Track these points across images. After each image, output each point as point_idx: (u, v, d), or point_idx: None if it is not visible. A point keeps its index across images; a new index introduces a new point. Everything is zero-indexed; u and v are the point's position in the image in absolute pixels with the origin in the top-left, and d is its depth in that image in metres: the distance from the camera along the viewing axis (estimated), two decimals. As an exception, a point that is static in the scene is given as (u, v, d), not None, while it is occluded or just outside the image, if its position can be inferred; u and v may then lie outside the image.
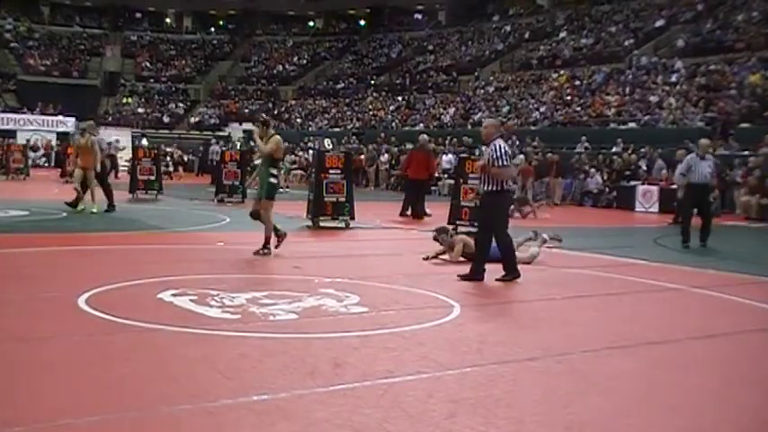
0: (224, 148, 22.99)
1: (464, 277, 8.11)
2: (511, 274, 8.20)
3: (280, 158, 9.89)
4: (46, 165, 37.81)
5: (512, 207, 17.57)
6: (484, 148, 8.82)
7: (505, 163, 8.12)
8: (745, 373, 5.08)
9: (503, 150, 8.11)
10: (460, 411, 3.94)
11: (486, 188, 8.24)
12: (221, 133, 42.57)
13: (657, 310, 7.21)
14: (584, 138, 25.93)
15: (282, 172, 27.26)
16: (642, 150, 22.87)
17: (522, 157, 23.20)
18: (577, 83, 32.90)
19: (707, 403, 4.42)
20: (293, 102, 48.98)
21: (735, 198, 19.72)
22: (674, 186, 16.26)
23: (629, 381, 4.72)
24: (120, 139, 33.27)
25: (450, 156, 26.29)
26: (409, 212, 16.47)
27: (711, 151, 13.67)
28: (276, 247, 9.54)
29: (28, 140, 35.81)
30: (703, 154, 12.55)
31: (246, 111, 48.81)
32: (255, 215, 9.62)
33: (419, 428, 3.70)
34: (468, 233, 10.37)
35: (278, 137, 9.84)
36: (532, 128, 30.21)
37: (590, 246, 11.76)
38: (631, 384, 4.65)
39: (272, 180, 9.59)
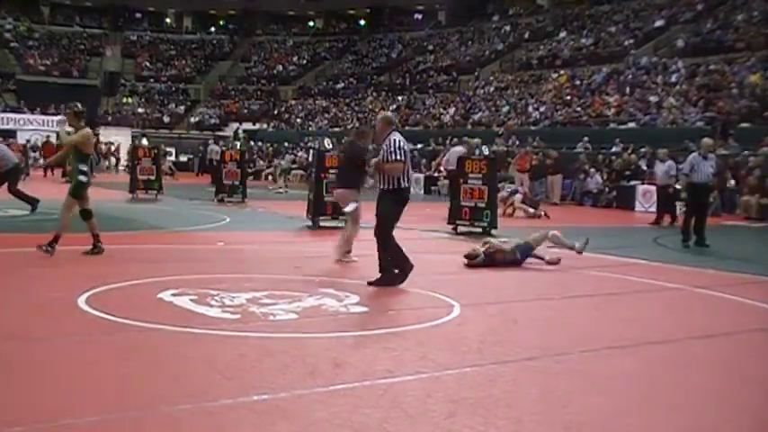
0: (224, 148, 22.98)
1: (374, 283, 7.50)
2: (386, 277, 7.55)
3: (89, 153, 9.09)
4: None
5: (525, 208, 17.63)
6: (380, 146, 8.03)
7: (398, 158, 7.49)
8: (745, 372, 5.08)
9: (397, 145, 7.55)
10: (460, 411, 3.94)
11: (381, 187, 7.68)
12: (223, 133, 42.52)
13: (657, 310, 7.20)
14: (585, 138, 25.91)
15: (281, 172, 27.29)
16: (642, 150, 22.85)
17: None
18: (577, 83, 32.89)
19: (707, 403, 4.41)
20: (293, 102, 48.97)
21: (735, 198, 19.71)
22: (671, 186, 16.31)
23: (629, 381, 4.71)
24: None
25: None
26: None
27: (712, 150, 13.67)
28: (46, 247, 8.57)
29: (28, 140, 35.79)
30: (706, 153, 12.53)
31: (246, 111, 48.89)
32: (85, 215, 8.98)
33: (419, 428, 3.70)
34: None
35: (88, 130, 9.07)
36: (532, 128, 30.20)
37: (590, 246, 11.73)
38: (631, 384, 4.65)
39: (82, 178, 8.90)
